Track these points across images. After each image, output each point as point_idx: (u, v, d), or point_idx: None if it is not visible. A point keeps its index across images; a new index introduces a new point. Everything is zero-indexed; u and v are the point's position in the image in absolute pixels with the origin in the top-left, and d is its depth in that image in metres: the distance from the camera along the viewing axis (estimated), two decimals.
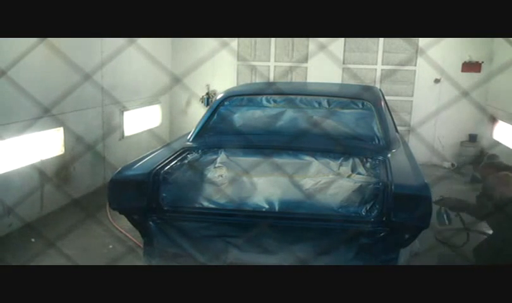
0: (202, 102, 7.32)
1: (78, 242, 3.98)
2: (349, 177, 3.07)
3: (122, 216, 3.21)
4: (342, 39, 6.98)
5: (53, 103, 4.26)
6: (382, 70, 7.07)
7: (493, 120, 6.27)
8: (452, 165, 6.86)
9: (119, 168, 3.13)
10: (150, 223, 2.99)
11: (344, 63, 7.11)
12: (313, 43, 7.06)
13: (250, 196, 2.97)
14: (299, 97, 4.02)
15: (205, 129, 3.90)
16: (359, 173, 3.12)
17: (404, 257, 2.95)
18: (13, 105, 3.99)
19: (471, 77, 6.51)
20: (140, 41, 3.75)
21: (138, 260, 3.41)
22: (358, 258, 2.82)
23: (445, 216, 3.92)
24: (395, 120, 4.47)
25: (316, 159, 3.27)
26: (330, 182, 2.99)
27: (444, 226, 3.92)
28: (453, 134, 6.88)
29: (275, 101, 4.02)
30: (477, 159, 3.89)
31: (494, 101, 6.35)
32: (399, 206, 2.71)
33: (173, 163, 3.24)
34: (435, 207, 3.61)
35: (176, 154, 3.38)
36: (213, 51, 6.60)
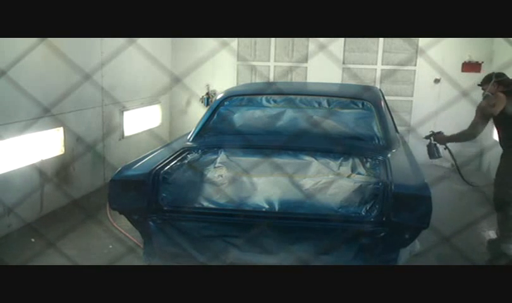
0: (202, 102, 7.31)
1: (77, 242, 3.98)
2: (349, 177, 3.07)
3: (122, 216, 3.21)
4: (342, 39, 6.97)
5: (53, 103, 4.26)
6: (382, 70, 7.07)
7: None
8: (452, 165, 6.85)
9: (119, 168, 3.13)
10: (150, 223, 2.99)
11: (344, 63, 7.11)
12: (313, 43, 7.06)
13: (250, 196, 2.97)
14: (299, 97, 4.02)
15: (205, 129, 3.90)
16: (359, 173, 3.12)
17: (404, 257, 2.94)
18: (13, 105, 3.99)
19: (471, 77, 6.50)
20: (140, 41, 3.74)
21: (138, 260, 3.40)
22: (358, 258, 2.82)
23: (435, 150, 4.20)
24: (395, 120, 4.47)
25: (316, 159, 3.27)
26: (330, 182, 2.99)
27: (435, 159, 4.25)
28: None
29: (275, 101, 4.02)
30: (487, 78, 4.04)
31: None
32: (399, 206, 2.70)
33: (173, 163, 3.24)
34: (425, 142, 4.27)
35: (175, 154, 3.38)
36: (213, 51, 6.60)
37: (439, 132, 4.26)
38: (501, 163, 3.93)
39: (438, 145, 4.21)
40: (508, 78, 3.95)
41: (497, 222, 3.92)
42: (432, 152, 4.22)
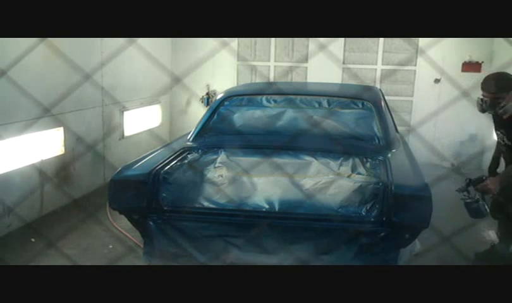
0: (202, 102, 7.31)
1: (78, 242, 3.98)
2: (349, 177, 3.07)
3: (122, 216, 3.21)
4: (342, 39, 6.97)
5: (53, 103, 4.26)
6: (382, 70, 7.07)
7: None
8: (452, 164, 6.85)
9: (119, 168, 3.13)
10: (150, 223, 2.99)
11: (344, 63, 7.11)
12: (313, 43, 7.06)
13: (250, 196, 2.97)
14: (299, 97, 4.02)
15: (205, 129, 3.90)
16: (359, 173, 3.12)
17: (404, 257, 2.94)
18: (13, 105, 3.99)
19: (471, 77, 6.50)
20: (140, 41, 3.75)
21: (138, 260, 3.41)
22: (358, 258, 2.82)
23: (481, 206, 3.02)
24: (395, 120, 4.47)
25: (316, 159, 3.27)
26: (330, 182, 2.99)
27: (483, 217, 3.09)
28: (453, 134, 6.87)
29: (275, 101, 4.02)
30: (506, 85, 3.10)
31: None
32: (399, 206, 2.71)
33: (173, 163, 3.24)
34: (460, 196, 3.13)
35: (176, 154, 3.38)
36: (213, 51, 6.60)
37: (480, 178, 3.10)
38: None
39: (485, 197, 3.03)
40: None
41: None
42: (478, 210, 3.02)
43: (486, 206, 3.05)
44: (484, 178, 3.13)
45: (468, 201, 3.06)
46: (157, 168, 3.06)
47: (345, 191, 2.91)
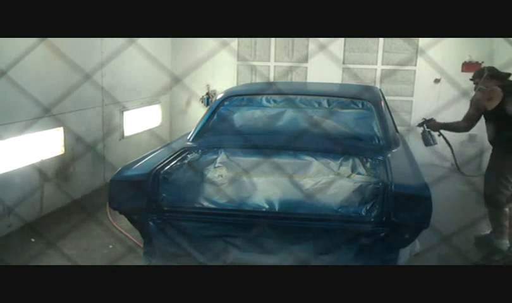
0: (202, 102, 7.32)
1: (78, 242, 3.98)
2: (349, 177, 3.07)
3: (122, 216, 3.21)
4: (342, 39, 6.97)
5: (53, 103, 4.26)
6: (382, 70, 7.07)
7: None
8: (452, 165, 6.84)
9: (119, 169, 3.13)
10: (150, 223, 2.99)
11: (344, 63, 7.11)
12: (313, 43, 7.06)
13: (250, 196, 2.97)
14: (299, 97, 4.02)
15: (205, 129, 3.90)
16: (359, 173, 3.12)
17: (404, 257, 2.94)
18: (13, 105, 3.99)
19: None
20: (140, 41, 3.75)
21: (138, 260, 3.41)
22: (358, 258, 2.82)
23: (429, 137, 4.24)
24: (395, 120, 4.47)
25: (316, 159, 3.27)
26: (330, 182, 2.99)
27: (430, 146, 4.25)
28: (453, 134, 6.85)
29: (275, 101, 4.02)
30: (478, 73, 4.05)
31: None
32: (399, 206, 2.70)
33: (173, 163, 3.24)
34: (419, 130, 4.29)
35: (175, 154, 3.38)
36: (213, 51, 6.60)
37: (431, 119, 4.27)
38: (490, 161, 3.91)
39: (432, 132, 4.24)
40: (501, 72, 3.92)
41: (489, 218, 3.93)
42: (427, 139, 4.24)
43: (433, 139, 4.25)
44: (432, 119, 4.30)
45: (422, 132, 4.27)
46: (157, 168, 3.06)
47: (345, 191, 2.91)
